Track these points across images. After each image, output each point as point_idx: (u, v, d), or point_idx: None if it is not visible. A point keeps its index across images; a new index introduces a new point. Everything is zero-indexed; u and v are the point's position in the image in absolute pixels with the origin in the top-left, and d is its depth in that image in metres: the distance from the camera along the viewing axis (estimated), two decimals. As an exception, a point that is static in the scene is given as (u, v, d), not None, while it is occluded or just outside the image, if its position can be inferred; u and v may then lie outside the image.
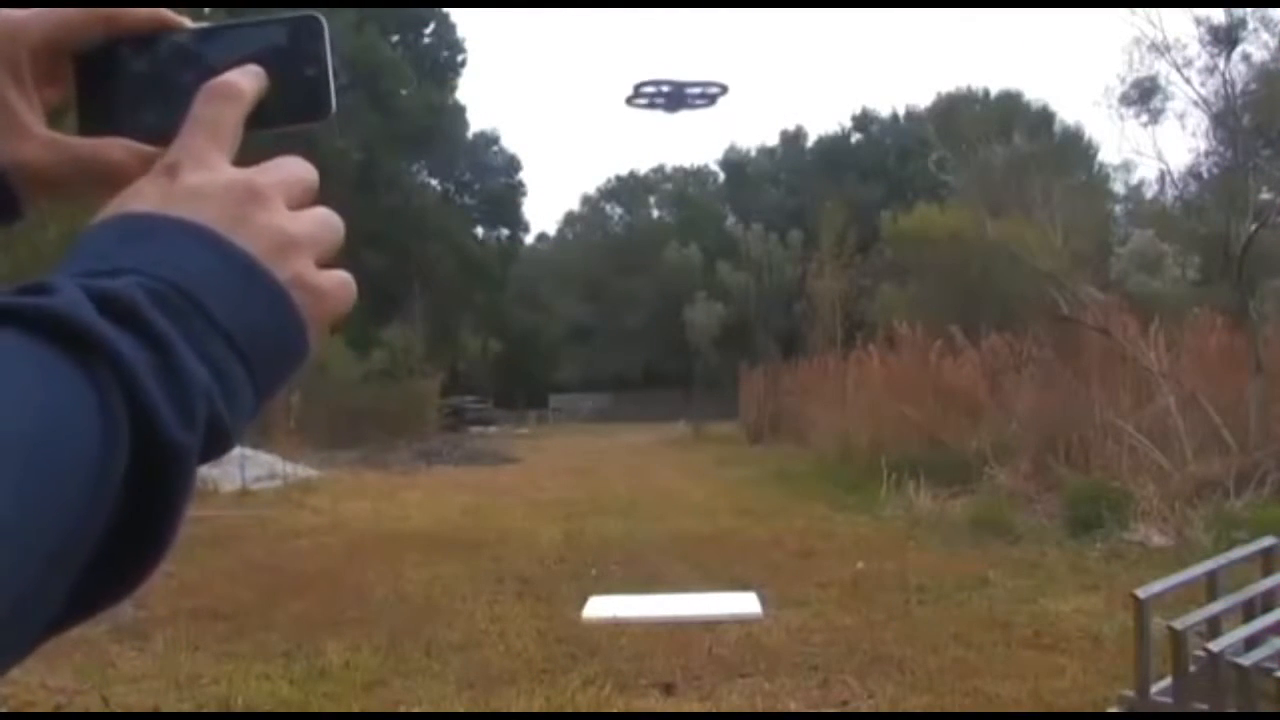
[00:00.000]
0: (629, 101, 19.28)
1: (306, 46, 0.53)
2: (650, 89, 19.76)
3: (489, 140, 45.79)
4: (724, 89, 19.73)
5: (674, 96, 19.60)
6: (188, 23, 0.54)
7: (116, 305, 0.39)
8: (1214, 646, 3.20)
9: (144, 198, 0.45)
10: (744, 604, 6.60)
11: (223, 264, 0.43)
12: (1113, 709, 3.79)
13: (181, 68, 0.52)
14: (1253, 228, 15.17)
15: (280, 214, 0.47)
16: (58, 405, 0.36)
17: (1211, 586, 3.77)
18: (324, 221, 0.48)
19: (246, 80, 0.50)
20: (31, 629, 0.37)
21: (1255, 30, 16.53)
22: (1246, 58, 16.73)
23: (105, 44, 0.53)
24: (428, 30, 40.25)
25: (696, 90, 19.75)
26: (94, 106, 0.53)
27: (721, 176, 52.54)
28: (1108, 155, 34.34)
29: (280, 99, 0.51)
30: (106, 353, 0.38)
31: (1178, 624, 3.29)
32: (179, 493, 0.39)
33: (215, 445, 0.41)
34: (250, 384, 0.43)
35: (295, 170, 0.49)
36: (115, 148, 0.51)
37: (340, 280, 0.48)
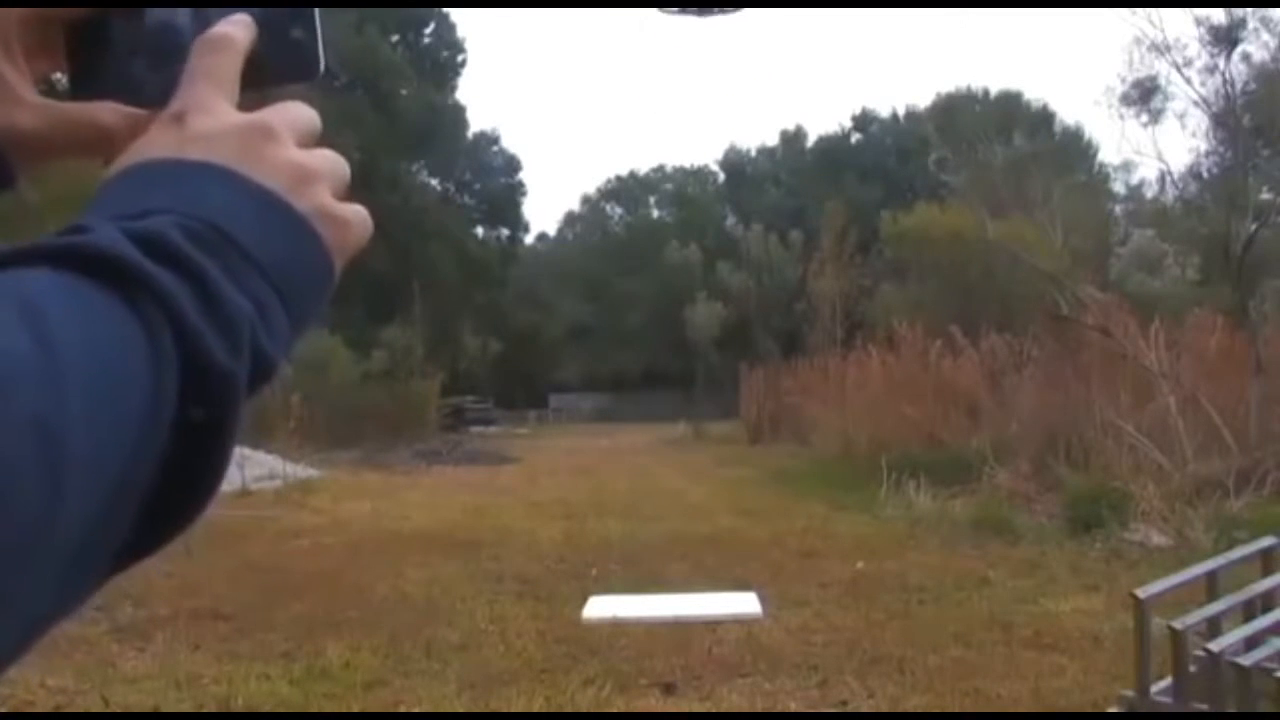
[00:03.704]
0: (660, 7, 19.51)
1: (292, 9, 0.54)
2: None
3: (489, 140, 45.81)
4: None
5: None
6: None
7: (153, 242, 0.40)
8: (1214, 646, 3.20)
9: (158, 146, 0.46)
10: (744, 604, 6.60)
11: (247, 199, 0.44)
12: (1113, 709, 3.79)
13: (169, 33, 0.53)
14: (1253, 228, 15.19)
15: (294, 149, 0.48)
16: (107, 339, 0.37)
17: (1211, 586, 3.76)
18: (334, 157, 0.50)
19: (237, 29, 0.51)
20: (102, 559, 0.38)
21: (1255, 30, 16.53)
22: (1246, 58, 16.73)
23: (94, 12, 0.53)
24: (428, 30, 40.26)
25: None
26: (84, 73, 0.54)
27: (721, 176, 52.55)
28: (1108, 155, 34.37)
29: (268, 60, 0.52)
30: (150, 287, 0.39)
31: (1178, 624, 3.29)
32: (230, 422, 0.40)
33: (260, 375, 0.42)
34: (285, 314, 0.44)
35: (300, 111, 0.50)
36: (105, 111, 0.52)
37: (359, 211, 0.49)
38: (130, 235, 0.40)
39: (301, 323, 0.45)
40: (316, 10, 0.54)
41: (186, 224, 0.42)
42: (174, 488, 0.39)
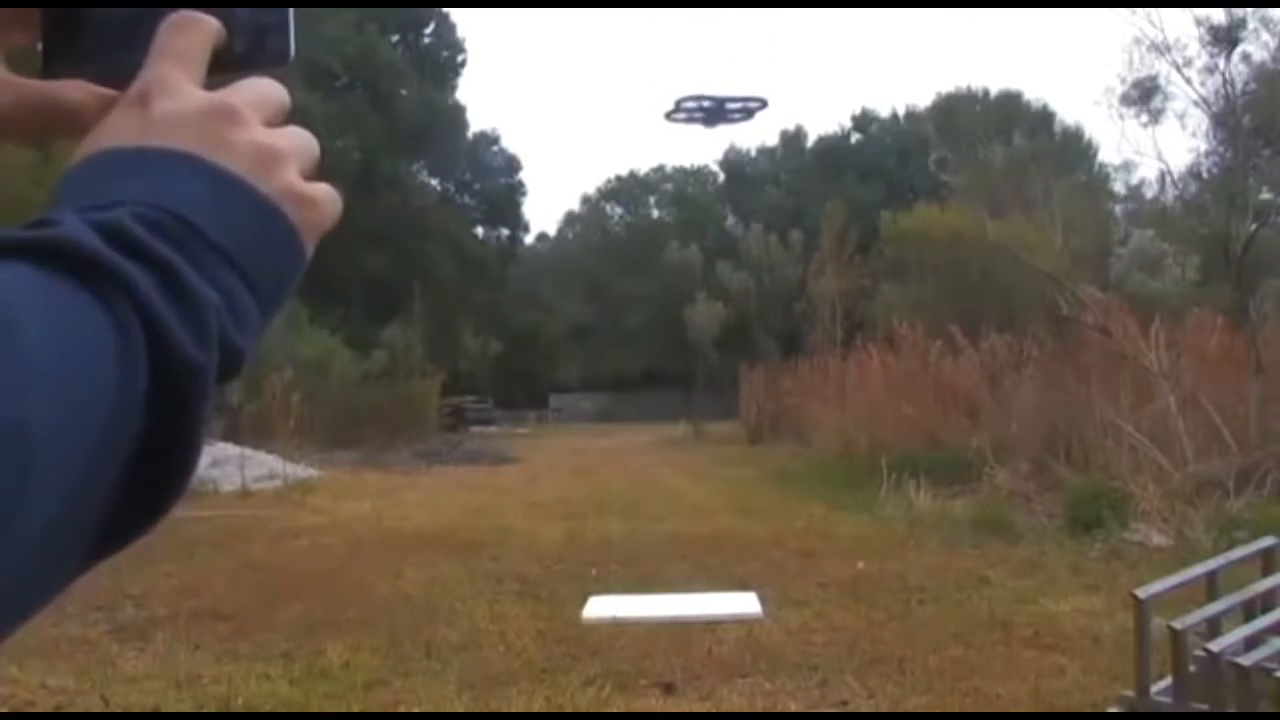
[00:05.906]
0: (668, 116, 19.57)
1: None
2: (691, 104, 20.06)
3: (489, 140, 45.79)
4: (763, 104, 19.96)
5: (713, 111, 19.89)
6: None
7: (117, 234, 0.40)
8: (1214, 646, 3.20)
9: (121, 131, 0.46)
10: (744, 604, 6.60)
11: (211, 186, 0.44)
12: (1113, 709, 3.79)
13: (143, 13, 0.52)
14: (1253, 228, 15.20)
15: (258, 130, 0.47)
16: (73, 332, 0.37)
17: (1211, 586, 3.76)
18: (301, 134, 0.49)
19: (208, 15, 0.51)
20: (72, 552, 0.38)
21: (1255, 30, 16.52)
22: (1246, 58, 16.72)
23: None
24: (428, 30, 40.26)
25: (736, 105, 20.04)
26: (58, 51, 0.53)
27: (721, 176, 52.47)
28: (1108, 155, 34.30)
29: (238, 46, 0.52)
30: (116, 278, 0.39)
31: (1178, 624, 3.29)
32: (199, 412, 0.40)
33: (229, 364, 0.42)
34: (254, 301, 0.43)
35: (266, 88, 0.49)
36: (74, 89, 0.52)
37: (327, 190, 0.49)
38: (94, 227, 0.40)
39: (272, 308, 0.45)
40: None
41: (150, 214, 0.42)
42: (145, 479, 0.39)
